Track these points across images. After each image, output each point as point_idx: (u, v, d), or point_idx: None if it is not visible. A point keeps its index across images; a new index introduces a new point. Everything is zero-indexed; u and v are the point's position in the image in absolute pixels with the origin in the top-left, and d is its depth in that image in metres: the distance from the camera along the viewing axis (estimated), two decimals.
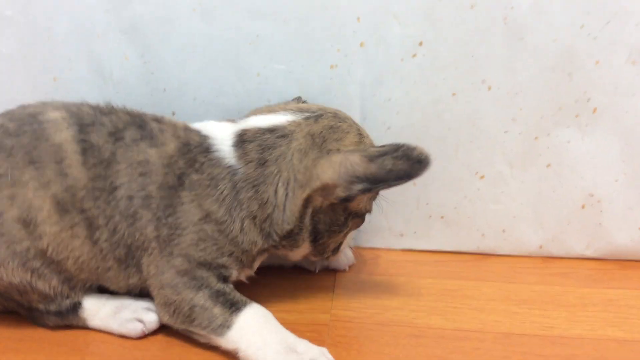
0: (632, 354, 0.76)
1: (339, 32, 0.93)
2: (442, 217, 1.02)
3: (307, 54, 0.95)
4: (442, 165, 0.97)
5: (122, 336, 0.79)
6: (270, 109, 0.83)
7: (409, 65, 0.94)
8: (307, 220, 0.78)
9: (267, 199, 0.76)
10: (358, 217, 0.83)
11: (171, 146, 0.78)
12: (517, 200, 0.99)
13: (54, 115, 0.78)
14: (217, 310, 0.73)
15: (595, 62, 0.91)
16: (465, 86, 0.94)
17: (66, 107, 0.80)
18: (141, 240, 0.76)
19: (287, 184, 0.75)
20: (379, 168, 0.72)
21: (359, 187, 0.73)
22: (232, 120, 0.83)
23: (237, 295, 0.76)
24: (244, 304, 0.74)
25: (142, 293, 0.80)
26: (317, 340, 0.74)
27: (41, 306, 0.79)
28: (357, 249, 1.03)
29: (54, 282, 0.77)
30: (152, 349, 0.77)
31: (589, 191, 0.97)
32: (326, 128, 0.78)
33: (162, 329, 0.79)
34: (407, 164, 0.72)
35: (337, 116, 0.81)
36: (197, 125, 0.82)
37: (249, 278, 0.83)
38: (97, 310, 0.80)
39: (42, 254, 0.75)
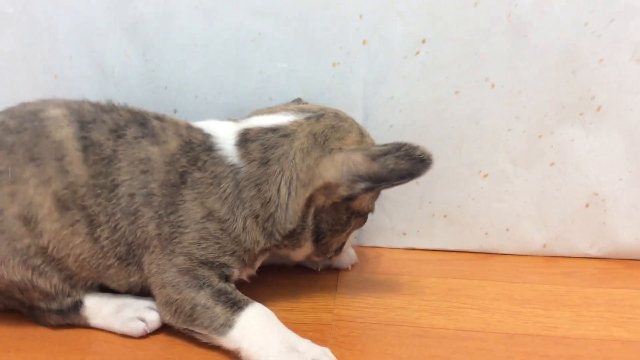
0: (637, 355, 0.76)
1: (341, 30, 0.93)
2: (445, 216, 1.01)
3: (309, 52, 0.95)
4: (445, 164, 0.97)
5: (124, 335, 0.78)
6: (271, 110, 0.83)
7: (411, 63, 0.93)
8: (310, 219, 0.77)
9: (270, 198, 0.75)
10: (360, 217, 0.83)
11: (173, 144, 0.77)
12: (521, 199, 0.98)
13: (55, 112, 0.78)
14: (219, 309, 0.73)
15: (599, 60, 0.90)
16: (468, 84, 0.94)
17: (67, 105, 0.80)
18: (142, 238, 0.76)
19: (290, 183, 0.75)
20: (381, 167, 0.72)
21: (361, 186, 0.73)
22: (234, 120, 0.83)
23: (239, 295, 0.75)
24: (246, 303, 0.74)
25: (143, 291, 0.80)
26: (320, 340, 0.74)
27: (42, 304, 0.79)
28: (359, 248, 1.03)
29: (55, 280, 0.77)
30: (153, 348, 0.77)
31: (593, 190, 0.96)
32: (328, 127, 0.78)
33: (164, 328, 0.78)
34: (409, 163, 0.72)
35: (338, 116, 0.81)
36: (199, 124, 0.82)
37: (251, 277, 0.83)
38: (99, 308, 0.80)
39: (43, 251, 0.75)
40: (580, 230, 0.99)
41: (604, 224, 0.98)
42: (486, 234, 1.01)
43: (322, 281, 0.93)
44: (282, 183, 0.75)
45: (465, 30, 0.91)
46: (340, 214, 0.79)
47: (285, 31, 0.94)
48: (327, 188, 0.75)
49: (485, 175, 0.98)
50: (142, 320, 0.78)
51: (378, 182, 0.73)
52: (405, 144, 0.73)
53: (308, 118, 0.79)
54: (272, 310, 0.75)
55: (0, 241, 0.74)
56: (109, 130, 0.77)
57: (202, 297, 0.73)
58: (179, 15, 0.94)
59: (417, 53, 0.93)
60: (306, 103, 0.91)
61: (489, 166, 0.97)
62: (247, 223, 0.76)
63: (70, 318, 0.80)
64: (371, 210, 0.84)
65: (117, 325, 0.79)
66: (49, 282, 0.77)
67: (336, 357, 0.71)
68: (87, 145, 0.76)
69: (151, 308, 0.79)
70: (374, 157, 0.73)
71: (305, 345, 0.71)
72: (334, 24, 0.93)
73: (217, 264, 0.76)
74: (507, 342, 0.77)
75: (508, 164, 0.97)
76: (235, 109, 0.97)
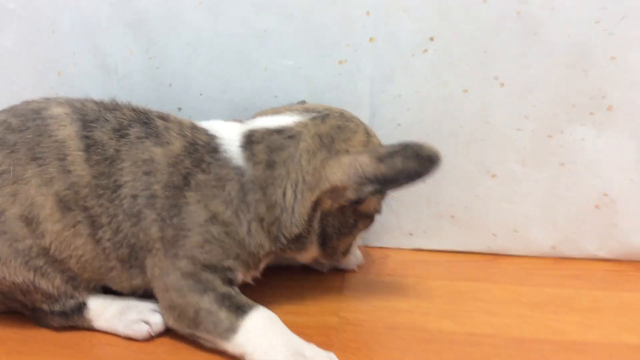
0: None
1: (348, 26, 0.92)
2: (452, 217, 1.00)
3: (315, 49, 0.93)
4: (453, 164, 0.95)
5: (128, 338, 0.77)
6: (275, 111, 0.81)
7: (419, 61, 0.92)
8: (316, 223, 0.76)
9: (275, 201, 0.74)
10: (368, 218, 0.82)
11: (177, 145, 0.76)
12: (530, 200, 0.97)
13: (58, 111, 0.77)
14: (223, 314, 0.71)
15: (610, 58, 0.89)
16: (477, 82, 0.92)
17: (70, 103, 0.79)
18: (145, 241, 0.75)
19: (296, 186, 0.74)
20: (388, 168, 0.71)
21: (369, 188, 0.72)
22: (239, 121, 0.81)
23: (243, 299, 0.74)
24: (250, 307, 0.73)
25: (146, 294, 0.79)
26: (326, 344, 0.72)
27: (45, 306, 0.78)
28: (365, 248, 1.01)
29: (57, 281, 0.76)
30: (157, 351, 0.76)
31: (603, 191, 0.95)
32: (334, 128, 0.77)
33: (169, 331, 0.77)
34: (417, 163, 0.71)
35: (343, 116, 0.79)
36: (204, 124, 0.81)
37: (255, 279, 0.82)
38: (103, 310, 0.79)
39: (45, 252, 0.74)
40: (590, 232, 0.97)
41: (614, 225, 0.96)
42: (494, 235, 1.00)
43: (327, 283, 0.91)
44: (288, 186, 0.74)
45: (474, 28, 0.90)
46: (347, 216, 0.78)
47: (290, 28, 0.92)
48: (334, 191, 0.74)
49: (494, 176, 0.96)
50: (147, 322, 0.77)
51: (386, 183, 0.72)
52: (412, 144, 0.72)
53: (313, 118, 0.77)
54: (277, 313, 0.74)
55: (1, 242, 0.73)
56: (112, 130, 0.76)
57: (206, 302, 0.72)
58: (182, 11, 0.93)
59: (425, 51, 0.91)
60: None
61: (498, 166, 0.96)
62: (252, 227, 0.75)
63: (73, 320, 0.79)
64: (378, 211, 0.82)
65: (120, 327, 0.78)
66: (52, 283, 0.76)
67: None
68: (90, 145, 0.75)
69: (155, 310, 0.78)
70: (381, 158, 0.72)
71: (311, 350, 0.70)
72: (341, 21, 0.91)
73: (220, 267, 0.75)
74: (516, 347, 0.76)
75: (517, 164, 0.95)
76: (240, 107, 0.96)
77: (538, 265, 0.98)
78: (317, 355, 0.69)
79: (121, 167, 0.75)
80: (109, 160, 0.75)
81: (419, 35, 0.91)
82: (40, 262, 0.74)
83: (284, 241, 0.76)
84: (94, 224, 0.75)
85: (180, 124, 0.79)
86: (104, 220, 0.75)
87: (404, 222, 1.02)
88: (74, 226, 0.74)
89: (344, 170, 0.72)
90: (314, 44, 0.93)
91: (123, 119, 0.78)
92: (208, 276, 0.74)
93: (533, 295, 0.88)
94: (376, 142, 0.80)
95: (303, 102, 0.90)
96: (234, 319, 0.71)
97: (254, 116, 0.82)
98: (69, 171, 0.74)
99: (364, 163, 0.72)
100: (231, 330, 0.71)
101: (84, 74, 0.97)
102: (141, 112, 0.80)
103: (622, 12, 0.86)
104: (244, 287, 0.78)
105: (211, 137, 0.78)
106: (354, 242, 0.85)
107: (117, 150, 0.75)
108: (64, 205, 0.74)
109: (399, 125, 0.95)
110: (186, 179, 0.75)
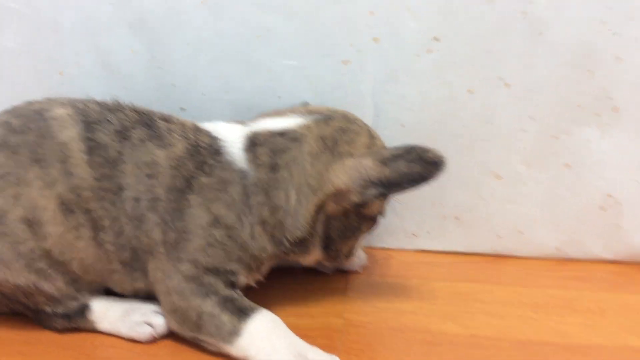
0: None
1: (352, 26, 0.91)
2: (456, 218, 0.99)
3: (319, 49, 0.92)
4: (457, 164, 0.94)
5: (131, 340, 0.77)
6: (278, 112, 0.81)
7: (423, 61, 0.91)
8: (319, 226, 0.76)
9: (279, 205, 0.74)
10: (371, 221, 0.81)
11: (179, 147, 0.76)
12: (534, 201, 0.96)
13: (60, 112, 0.76)
14: (226, 317, 0.71)
15: (616, 59, 0.88)
16: (481, 83, 0.91)
17: (72, 104, 0.78)
18: (147, 244, 0.75)
19: (299, 189, 0.74)
20: (392, 171, 0.71)
21: (373, 191, 0.72)
22: (242, 122, 0.81)
23: (246, 302, 0.74)
24: (253, 310, 0.72)
25: (149, 296, 0.78)
26: (330, 347, 0.72)
27: (48, 308, 0.77)
28: (368, 249, 1.01)
29: (60, 283, 0.76)
30: (160, 353, 0.75)
31: (607, 192, 0.94)
32: (337, 130, 0.76)
33: (172, 333, 0.77)
34: (421, 166, 0.71)
35: (346, 118, 0.79)
36: (207, 126, 0.80)
37: (258, 281, 0.81)
38: (106, 312, 0.79)
39: (47, 254, 0.74)
40: (594, 233, 0.97)
41: (618, 226, 0.96)
42: (498, 236, 0.99)
43: (331, 284, 0.91)
44: (291, 189, 0.74)
45: (478, 28, 0.89)
46: (350, 220, 0.77)
47: (293, 27, 0.92)
48: (338, 194, 0.73)
49: (498, 176, 0.96)
50: (150, 324, 0.77)
51: (390, 186, 0.72)
52: (416, 147, 0.71)
53: (316, 120, 0.77)
54: (280, 315, 0.74)
55: (3, 244, 0.72)
56: (115, 132, 0.76)
57: (208, 305, 0.72)
58: (184, 10, 0.92)
59: (430, 51, 0.91)
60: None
61: (502, 167, 0.95)
62: (255, 230, 0.75)
63: (76, 322, 0.79)
64: (382, 214, 0.82)
65: (124, 329, 0.77)
66: (54, 285, 0.75)
67: None
68: (92, 147, 0.74)
69: (159, 312, 0.78)
70: (385, 162, 0.71)
71: (314, 353, 0.70)
72: (344, 21, 0.91)
73: (223, 270, 0.74)
74: (520, 349, 0.76)
75: (521, 165, 0.95)
76: (243, 107, 0.96)
77: (542, 266, 0.97)
78: (320, 358, 0.69)
79: (123, 170, 0.74)
80: (111, 163, 0.74)
81: (423, 35, 0.90)
82: (42, 264, 0.74)
83: (287, 244, 0.76)
84: (96, 227, 0.74)
85: (183, 125, 0.79)
86: (106, 223, 0.74)
87: (407, 223, 1.01)
88: (76, 229, 0.74)
89: (347, 173, 0.72)
90: (317, 43, 0.92)
91: (125, 120, 0.77)
92: (210, 279, 0.73)
93: (537, 297, 0.88)
94: (380, 144, 0.79)
95: (306, 103, 0.90)
96: (236, 322, 0.71)
97: (257, 118, 0.81)
98: (71, 173, 0.73)
99: (368, 166, 0.71)
100: (234, 333, 0.70)
101: (85, 73, 0.97)
102: (144, 113, 0.79)
103: (628, 12, 0.86)
104: (247, 290, 0.78)
105: (214, 139, 0.77)
106: (357, 244, 0.85)
107: (120, 153, 0.75)
108: (66, 207, 0.73)
109: (402, 126, 0.95)
110: (189, 181, 0.74)
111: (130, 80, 0.96)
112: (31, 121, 0.75)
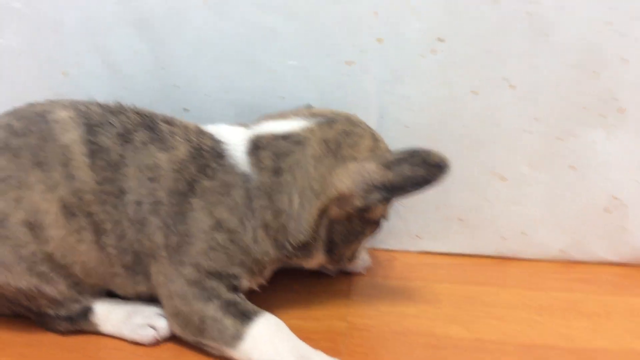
0: None
1: (355, 27, 0.90)
2: (460, 219, 0.99)
3: (322, 50, 0.92)
4: (461, 166, 0.93)
5: (134, 342, 0.77)
6: (282, 115, 0.80)
7: (428, 62, 0.90)
8: (322, 230, 0.76)
9: (281, 208, 0.74)
10: (374, 224, 0.81)
11: (182, 150, 0.75)
12: (539, 203, 0.96)
13: (62, 114, 0.76)
14: (228, 321, 0.71)
15: (622, 60, 0.87)
16: (486, 84, 0.91)
17: (74, 106, 0.78)
18: (149, 248, 0.74)
19: (302, 192, 0.73)
20: (396, 175, 0.70)
21: (376, 195, 0.71)
22: (245, 125, 0.80)
23: (249, 305, 0.74)
24: (256, 314, 0.72)
25: (151, 299, 0.78)
26: (333, 350, 0.72)
27: (50, 311, 0.77)
28: (372, 251, 1.00)
29: (62, 286, 0.75)
30: (163, 356, 0.75)
31: (613, 194, 0.94)
32: (340, 133, 0.76)
33: (175, 336, 0.77)
34: (425, 170, 0.70)
35: (350, 120, 0.78)
36: (210, 129, 0.80)
37: (261, 285, 0.81)
38: (109, 315, 0.78)
39: (49, 258, 0.74)
40: (599, 235, 0.96)
41: (623, 228, 0.95)
42: (502, 238, 0.99)
43: (334, 287, 0.90)
44: (294, 193, 0.73)
45: (483, 28, 0.88)
46: (353, 223, 0.77)
47: (296, 28, 0.91)
48: (341, 198, 0.73)
49: (503, 178, 0.95)
50: (153, 327, 0.77)
51: (393, 190, 0.71)
52: (420, 150, 0.71)
53: (320, 123, 0.76)
54: (283, 318, 0.74)
55: (5, 248, 0.72)
56: (117, 135, 0.75)
57: (211, 309, 0.71)
58: (186, 10, 0.92)
59: (434, 51, 0.90)
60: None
61: (507, 168, 0.95)
62: (257, 234, 0.74)
63: (79, 324, 0.78)
64: (385, 217, 0.82)
65: (126, 332, 0.77)
66: (56, 289, 0.75)
67: None
68: (94, 150, 0.74)
69: (162, 315, 0.77)
70: (388, 165, 0.71)
71: (317, 357, 0.70)
72: (348, 21, 0.90)
73: (225, 274, 0.74)
74: (524, 353, 0.76)
75: (526, 167, 0.94)
76: (246, 108, 0.95)
77: (546, 268, 0.97)
78: None
79: (125, 173, 0.74)
80: (113, 166, 0.74)
81: (427, 36, 0.89)
82: (44, 267, 0.74)
83: (290, 248, 0.75)
84: (98, 230, 0.74)
85: (185, 128, 0.78)
86: (108, 226, 0.74)
87: (411, 224, 1.01)
88: (78, 232, 0.74)
89: (351, 177, 0.72)
90: (321, 44, 0.91)
91: (128, 123, 0.77)
92: (213, 283, 0.73)
93: (541, 300, 0.87)
94: (383, 147, 0.79)
95: (309, 106, 0.89)
96: (239, 326, 0.71)
97: (261, 120, 0.81)
98: (73, 176, 0.73)
99: (371, 170, 0.71)
100: (237, 337, 0.70)
101: (88, 74, 0.96)
102: (146, 115, 0.79)
103: (633, 13, 0.85)
104: (250, 293, 0.78)
105: (217, 143, 0.77)
106: (360, 248, 0.84)
107: (122, 156, 0.74)
108: (68, 211, 0.73)
109: (406, 127, 0.94)
110: (191, 185, 0.74)
111: (132, 81, 0.96)
112: (33, 124, 0.75)
